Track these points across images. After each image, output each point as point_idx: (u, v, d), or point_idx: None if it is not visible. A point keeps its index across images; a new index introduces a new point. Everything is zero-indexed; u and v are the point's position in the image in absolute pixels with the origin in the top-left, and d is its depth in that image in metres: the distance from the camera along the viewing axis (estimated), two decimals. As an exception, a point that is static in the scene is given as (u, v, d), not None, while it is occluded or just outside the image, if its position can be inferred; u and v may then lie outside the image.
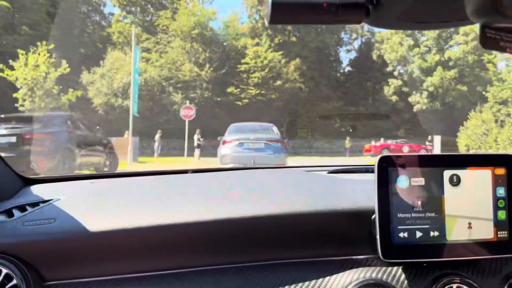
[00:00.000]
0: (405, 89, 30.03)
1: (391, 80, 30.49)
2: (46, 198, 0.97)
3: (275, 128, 10.99)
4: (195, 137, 18.48)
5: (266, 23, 0.34)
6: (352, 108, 30.86)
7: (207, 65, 27.88)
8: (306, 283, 0.82)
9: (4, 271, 0.77)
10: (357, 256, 0.88)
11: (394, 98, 30.40)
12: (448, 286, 0.80)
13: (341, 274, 0.84)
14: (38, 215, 0.88)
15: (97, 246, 0.83)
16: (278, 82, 28.23)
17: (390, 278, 0.82)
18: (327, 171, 1.25)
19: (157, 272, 0.83)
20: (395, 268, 0.84)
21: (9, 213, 0.90)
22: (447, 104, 27.79)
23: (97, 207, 0.93)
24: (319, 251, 0.89)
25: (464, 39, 27.52)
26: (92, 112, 29.67)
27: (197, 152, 18.11)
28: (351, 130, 23.30)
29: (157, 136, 19.50)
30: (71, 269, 0.82)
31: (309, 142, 29.16)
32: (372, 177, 0.81)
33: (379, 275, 0.82)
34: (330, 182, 1.13)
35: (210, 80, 28.01)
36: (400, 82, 30.14)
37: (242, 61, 28.54)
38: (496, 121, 15.72)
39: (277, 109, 29.04)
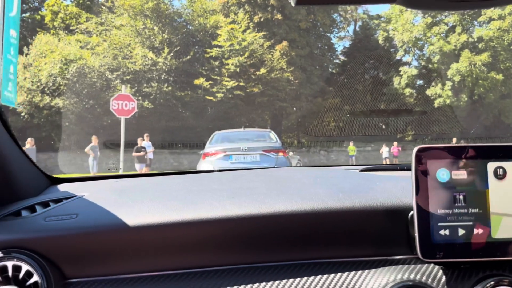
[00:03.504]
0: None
1: (403, 69, 24.36)
2: (70, 195, 1.01)
3: (273, 135, 9.08)
4: (140, 144, 11.44)
5: (293, 4, 0.36)
6: (347, 106, 24.91)
7: (166, 50, 21.85)
8: (338, 284, 0.80)
9: (25, 267, 0.78)
10: (393, 256, 0.85)
11: (408, 91, 24.26)
12: None
13: (376, 275, 0.81)
14: (60, 211, 0.90)
15: (120, 242, 0.82)
16: (262, 71, 21.47)
17: (430, 280, 0.79)
18: (359, 170, 1.27)
19: (182, 271, 0.83)
20: (436, 268, 0.81)
21: (32, 209, 0.93)
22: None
23: (121, 204, 0.92)
24: (352, 251, 0.86)
25: (499, 12, 21.56)
26: (12, 115, 22.53)
27: (139, 168, 11.09)
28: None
29: (90, 147, 12.22)
30: (93, 266, 0.82)
31: (299, 149, 23.05)
32: (408, 175, 0.78)
33: (418, 276, 0.80)
34: (363, 178, 1.11)
35: (171, 70, 21.98)
36: (415, 71, 24.01)
37: (214, 43, 21.70)
38: None
39: (260, 107, 22.43)
